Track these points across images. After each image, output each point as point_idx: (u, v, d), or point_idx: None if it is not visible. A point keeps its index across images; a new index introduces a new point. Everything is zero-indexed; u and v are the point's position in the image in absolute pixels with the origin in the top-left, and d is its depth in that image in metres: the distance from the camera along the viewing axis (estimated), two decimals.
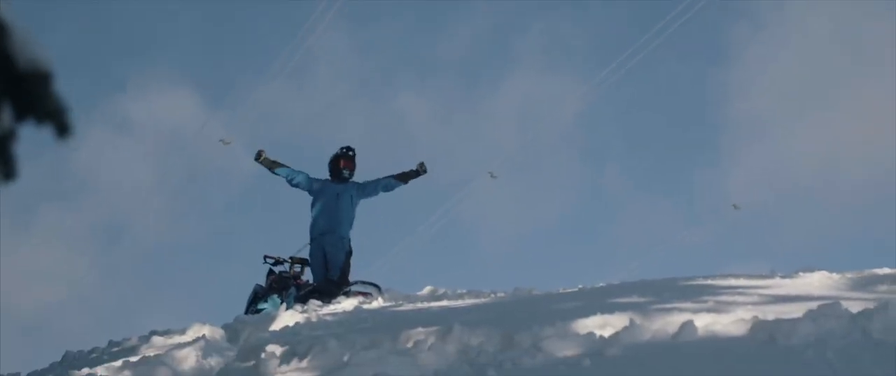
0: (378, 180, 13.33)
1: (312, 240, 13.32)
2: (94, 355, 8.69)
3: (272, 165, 13.36)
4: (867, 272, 7.86)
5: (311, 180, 13.36)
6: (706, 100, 42.97)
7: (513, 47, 43.20)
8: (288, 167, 13.35)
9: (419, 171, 13.24)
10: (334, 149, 13.51)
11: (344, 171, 13.32)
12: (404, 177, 13.33)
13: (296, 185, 13.36)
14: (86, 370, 7.10)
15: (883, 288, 7.00)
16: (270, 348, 6.63)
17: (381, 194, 13.41)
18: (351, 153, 13.42)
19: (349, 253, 13.13)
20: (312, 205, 13.40)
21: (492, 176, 28.84)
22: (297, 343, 6.63)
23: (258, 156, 13.31)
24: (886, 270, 8.06)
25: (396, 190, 13.42)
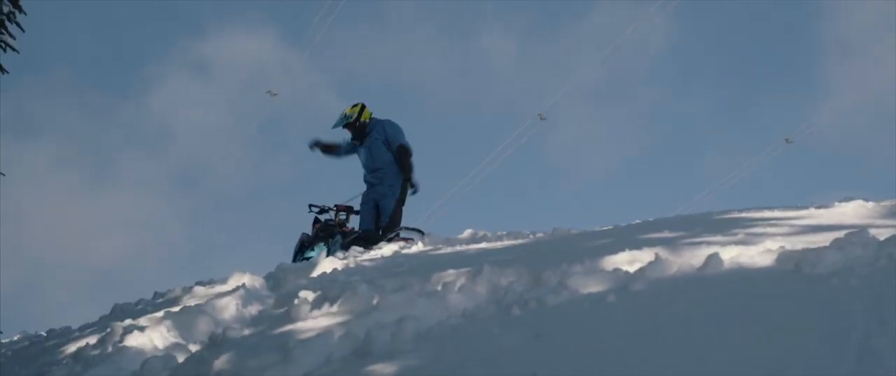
0: (394, 146, 13.37)
1: (367, 188, 13.51)
2: (139, 307, 8.85)
3: (328, 148, 13.56)
4: None
5: (349, 144, 13.59)
6: (797, 25, 42.08)
7: None
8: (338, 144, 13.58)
9: (409, 182, 13.29)
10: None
11: (352, 138, 13.52)
12: (402, 166, 13.38)
13: (348, 153, 13.61)
14: (128, 321, 7.22)
15: None
16: (303, 294, 6.73)
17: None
18: (348, 115, 13.48)
19: (401, 201, 13.25)
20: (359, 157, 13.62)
21: (541, 117, 28.87)
22: (330, 288, 6.72)
23: (316, 146, 13.53)
24: None
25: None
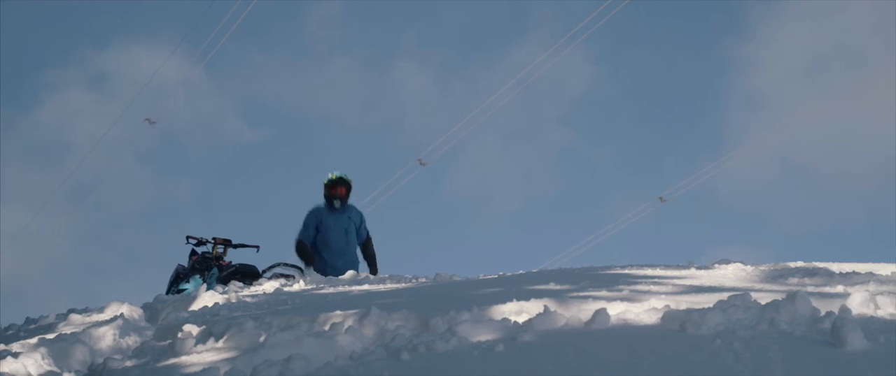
0: (363, 236, 13.36)
1: (324, 259, 13.22)
2: (10, 332, 8.62)
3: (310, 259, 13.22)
4: (780, 265, 8.04)
5: (310, 228, 13.30)
6: (712, 75, 42.62)
7: (520, 18, 42.73)
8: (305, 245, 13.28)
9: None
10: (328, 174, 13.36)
11: (335, 201, 13.25)
12: (371, 257, 13.42)
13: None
14: (1, 346, 7.03)
15: (793, 280, 7.16)
16: (187, 328, 6.63)
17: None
18: (349, 181, 13.35)
19: None
20: (318, 230, 13.31)
21: (422, 163, 29.03)
22: (214, 323, 6.63)
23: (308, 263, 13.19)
24: (799, 263, 8.25)
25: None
